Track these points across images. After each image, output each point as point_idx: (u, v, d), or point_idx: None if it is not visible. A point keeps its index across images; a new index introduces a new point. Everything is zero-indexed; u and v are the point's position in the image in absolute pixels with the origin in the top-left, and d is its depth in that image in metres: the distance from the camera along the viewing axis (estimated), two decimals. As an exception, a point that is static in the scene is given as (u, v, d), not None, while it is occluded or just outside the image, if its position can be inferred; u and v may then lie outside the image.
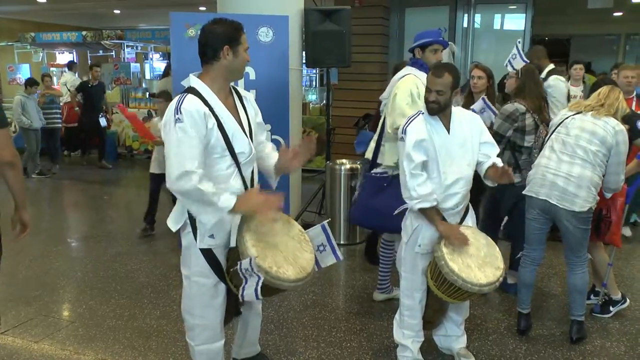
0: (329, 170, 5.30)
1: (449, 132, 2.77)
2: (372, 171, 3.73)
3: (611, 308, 3.70)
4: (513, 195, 3.78)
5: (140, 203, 5.56)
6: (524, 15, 8.24)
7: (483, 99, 3.74)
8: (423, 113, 2.80)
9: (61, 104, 9.60)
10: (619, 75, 4.79)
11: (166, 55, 13.37)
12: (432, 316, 3.04)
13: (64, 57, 13.92)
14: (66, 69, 10.95)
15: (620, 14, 11.25)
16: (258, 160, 2.56)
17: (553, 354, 3.25)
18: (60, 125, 9.18)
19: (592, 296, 3.81)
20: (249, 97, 2.58)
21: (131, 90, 10.99)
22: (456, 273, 2.60)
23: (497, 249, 2.83)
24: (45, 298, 4.02)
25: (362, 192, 3.85)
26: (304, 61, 5.65)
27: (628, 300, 3.77)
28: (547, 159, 3.26)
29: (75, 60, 12.14)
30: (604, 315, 3.69)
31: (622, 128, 3.12)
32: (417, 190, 2.70)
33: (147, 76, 12.37)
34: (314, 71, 11.40)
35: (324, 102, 8.50)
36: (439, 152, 2.73)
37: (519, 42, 3.93)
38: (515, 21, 8.60)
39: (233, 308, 2.65)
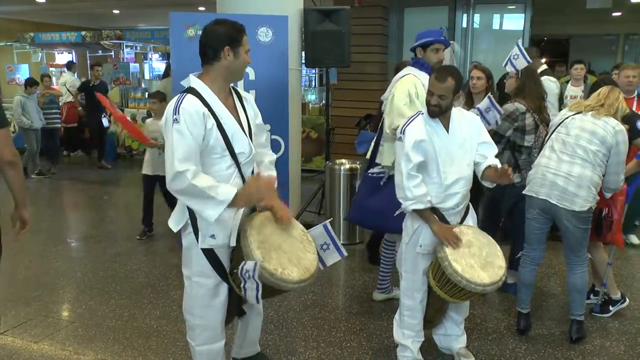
0: (329, 170, 5.30)
1: (448, 133, 2.77)
2: (369, 171, 3.74)
3: (611, 307, 3.71)
4: (513, 195, 3.78)
5: (140, 203, 5.54)
6: (523, 15, 8.24)
7: (489, 97, 3.70)
8: (423, 113, 2.80)
9: (60, 104, 9.60)
10: (620, 75, 4.76)
11: (165, 56, 13.36)
12: (433, 316, 3.05)
13: (63, 57, 13.91)
14: (65, 69, 10.95)
15: (619, 14, 11.27)
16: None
17: (553, 354, 3.25)
18: (59, 125, 9.18)
19: (591, 296, 3.81)
20: (249, 98, 2.58)
21: (130, 90, 10.99)
22: (460, 274, 2.60)
23: (499, 248, 2.83)
24: (45, 298, 4.02)
25: (359, 191, 3.87)
26: (303, 61, 5.65)
27: (627, 299, 3.78)
28: (547, 159, 3.26)
29: (74, 61, 12.14)
30: (604, 315, 3.70)
31: (622, 128, 3.13)
32: (413, 191, 2.71)
33: (147, 76, 12.36)
34: (313, 71, 11.40)
35: (324, 102, 8.51)
36: (439, 152, 2.74)
37: (520, 42, 3.91)
38: (515, 21, 8.61)
39: (235, 308, 2.65)
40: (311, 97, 10.63)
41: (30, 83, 8.28)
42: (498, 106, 3.68)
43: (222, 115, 2.33)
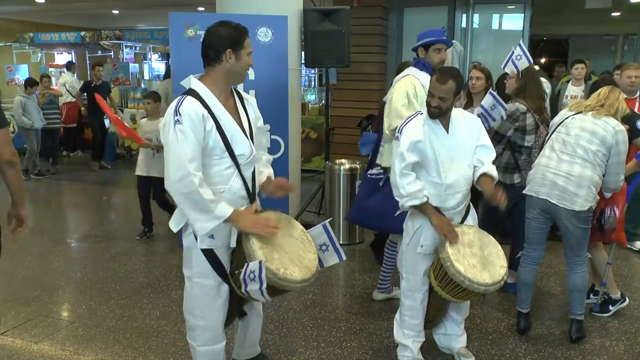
0: (328, 170, 5.31)
1: (447, 133, 2.78)
2: (368, 172, 3.75)
3: (610, 307, 3.71)
4: (512, 196, 3.78)
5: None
6: (523, 15, 8.24)
7: (491, 93, 3.67)
8: (422, 113, 2.81)
9: (60, 104, 9.59)
10: (622, 75, 4.71)
11: (165, 56, 13.35)
12: (434, 316, 3.05)
13: (62, 57, 13.89)
14: (65, 70, 10.94)
15: (618, 14, 11.27)
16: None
17: (553, 353, 3.25)
18: (59, 125, 9.18)
19: (591, 295, 3.81)
20: (251, 100, 2.58)
21: (130, 90, 10.98)
22: (462, 274, 2.60)
23: (500, 247, 2.83)
24: (45, 298, 4.02)
25: (359, 192, 3.87)
26: (303, 61, 5.66)
27: (627, 299, 3.79)
28: (547, 159, 3.27)
29: (73, 61, 12.13)
30: (604, 315, 3.70)
31: (622, 128, 3.13)
32: (406, 188, 2.72)
33: (146, 76, 12.36)
34: (313, 71, 11.39)
35: (323, 102, 8.52)
36: (438, 152, 2.74)
37: (520, 42, 3.91)
38: (514, 21, 8.61)
39: (236, 309, 2.65)
40: (311, 97, 10.63)
41: (30, 83, 8.27)
42: (502, 101, 3.66)
43: (221, 117, 2.33)
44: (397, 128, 2.84)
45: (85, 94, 9.18)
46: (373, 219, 3.69)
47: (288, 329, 3.55)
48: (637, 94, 4.64)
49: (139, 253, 5.06)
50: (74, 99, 9.92)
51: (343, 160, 5.32)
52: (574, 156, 3.16)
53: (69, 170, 9.21)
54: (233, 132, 2.36)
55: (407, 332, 2.99)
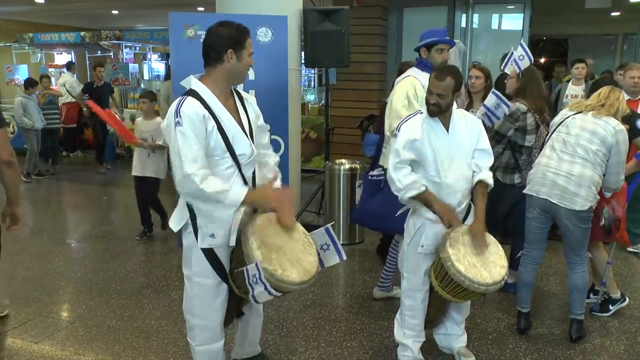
0: (328, 170, 5.31)
1: (448, 133, 2.78)
2: (369, 173, 3.76)
3: (610, 307, 3.71)
4: (513, 196, 3.79)
5: (139, 204, 5.55)
6: (522, 15, 8.24)
7: (494, 92, 3.65)
8: (422, 112, 2.81)
9: (60, 104, 9.59)
10: (625, 75, 4.65)
11: (164, 56, 13.35)
12: (435, 315, 3.05)
13: (62, 57, 13.90)
14: (65, 70, 10.94)
15: (617, 13, 11.27)
16: (258, 166, 2.56)
17: (553, 353, 3.25)
18: (59, 125, 9.17)
19: (591, 295, 3.82)
20: (251, 99, 2.58)
21: (130, 90, 10.98)
22: (463, 274, 2.60)
23: (500, 247, 2.83)
24: (45, 299, 4.02)
25: (362, 193, 3.89)
26: (302, 61, 5.66)
27: (627, 298, 3.79)
28: (547, 158, 3.27)
29: (73, 61, 12.13)
30: (604, 314, 3.70)
31: (622, 128, 3.14)
32: (402, 180, 2.72)
33: (146, 77, 12.36)
34: (313, 71, 11.40)
35: (323, 102, 8.52)
36: (437, 151, 2.74)
37: (522, 42, 3.91)
38: (514, 21, 8.61)
39: (234, 309, 2.65)
40: (310, 97, 10.63)
41: (30, 83, 8.26)
42: (505, 99, 3.66)
43: (222, 117, 2.33)
44: (397, 126, 2.85)
45: (87, 95, 9.18)
46: (374, 220, 3.73)
47: (288, 329, 3.56)
48: None
49: (139, 253, 5.06)
50: (73, 99, 9.92)
51: (343, 160, 5.33)
52: (574, 156, 3.16)
53: (68, 170, 9.20)
54: (234, 132, 2.36)
55: (407, 331, 3.00)
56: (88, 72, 13.59)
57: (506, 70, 3.91)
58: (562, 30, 13.67)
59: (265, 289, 2.21)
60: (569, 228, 3.21)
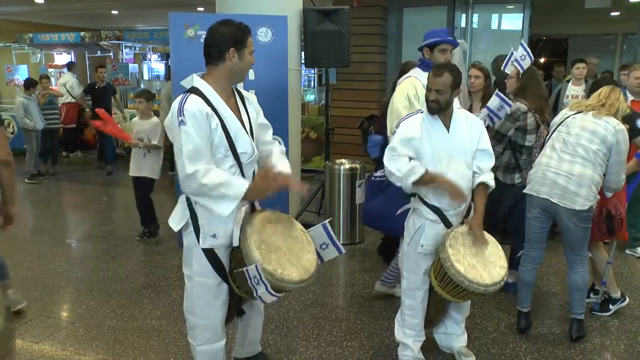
0: (328, 170, 5.31)
1: (448, 132, 2.78)
2: (373, 174, 3.78)
3: (611, 306, 3.72)
4: (513, 196, 3.79)
5: (139, 204, 5.54)
6: (522, 15, 8.25)
7: (497, 94, 3.65)
8: (422, 111, 2.82)
9: (59, 104, 9.58)
10: (630, 76, 4.61)
11: (164, 56, 13.36)
12: (434, 315, 3.05)
13: (62, 58, 13.90)
14: (65, 70, 10.94)
15: (617, 13, 11.27)
16: (262, 159, 2.56)
17: (553, 352, 3.26)
18: (59, 126, 9.17)
19: (591, 294, 3.82)
20: (251, 97, 2.57)
21: (129, 90, 10.97)
22: (462, 274, 2.60)
23: (500, 247, 2.84)
24: (46, 299, 4.02)
25: (366, 194, 3.94)
26: (302, 61, 5.66)
27: (627, 298, 3.79)
28: (548, 158, 3.27)
29: (74, 61, 12.13)
30: (604, 314, 3.71)
31: (622, 127, 3.14)
32: (400, 169, 2.70)
33: (146, 77, 12.36)
34: (313, 71, 11.41)
35: (323, 102, 8.51)
36: (436, 149, 2.74)
37: (522, 42, 3.91)
38: (513, 21, 8.62)
39: (235, 308, 2.65)
40: (310, 97, 10.63)
41: (30, 84, 8.26)
42: (508, 100, 3.66)
43: (225, 115, 2.33)
44: (397, 124, 2.87)
45: (89, 96, 9.18)
46: (376, 220, 3.75)
47: (289, 329, 3.56)
48: None
49: (140, 253, 5.06)
50: (73, 100, 9.91)
51: (343, 160, 5.33)
52: (574, 155, 3.16)
53: (68, 171, 9.20)
54: (236, 130, 2.36)
55: (407, 331, 3.00)
56: (88, 73, 13.59)
57: (507, 70, 3.92)
58: (561, 30, 13.68)
59: (267, 289, 2.22)
60: (569, 228, 3.21)
